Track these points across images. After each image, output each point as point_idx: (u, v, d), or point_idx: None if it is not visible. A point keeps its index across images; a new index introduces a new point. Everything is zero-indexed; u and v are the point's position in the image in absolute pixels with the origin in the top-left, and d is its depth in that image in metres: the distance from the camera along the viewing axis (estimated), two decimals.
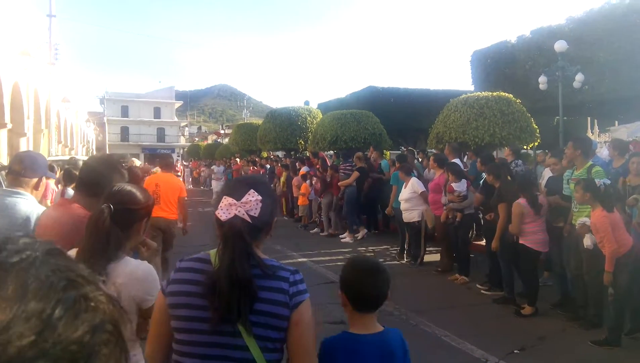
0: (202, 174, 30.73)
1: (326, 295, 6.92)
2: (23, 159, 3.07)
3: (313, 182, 13.08)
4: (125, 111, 59.38)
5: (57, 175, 5.86)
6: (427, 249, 8.99)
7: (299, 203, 13.59)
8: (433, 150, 12.08)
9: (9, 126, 14.71)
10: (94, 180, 2.56)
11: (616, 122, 15.26)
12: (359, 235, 11.33)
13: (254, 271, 1.63)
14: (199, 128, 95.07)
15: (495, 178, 6.83)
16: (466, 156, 11.93)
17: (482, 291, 7.11)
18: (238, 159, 23.78)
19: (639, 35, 12.24)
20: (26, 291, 0.43)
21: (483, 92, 12.18)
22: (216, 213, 1.68)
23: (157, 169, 9.16)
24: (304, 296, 1.68)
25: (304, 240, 11.37)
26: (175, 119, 63.88)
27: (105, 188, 2.37)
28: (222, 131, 65.66)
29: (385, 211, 10.18)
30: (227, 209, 1.67)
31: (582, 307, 5.81)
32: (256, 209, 1.67)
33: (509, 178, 6.87)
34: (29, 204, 2.83)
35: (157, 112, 60.93)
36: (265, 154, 22.74)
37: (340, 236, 11.52)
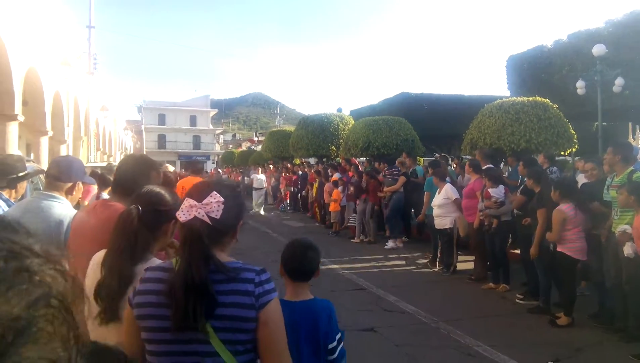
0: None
1: (355, 302, 6.87)
2: (59, 163, 3.13)
3: (346, 188, 13.04)
4: (162, 119, 60.67)
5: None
6: (459, 257, 8.83)
7: (330, 209, 13.56)
8: (467, 156, 11.88)
9: (50, 133, 15.16)
10: (131, 179, 2.57)
11: None
12: (399, 243, 11.15)
13: (215, 276, 1.59)
14: (234, 136, 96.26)
15: (536, 183, 6.65)
16: (502, 163, 11.70)
17: (517, 300, 6.92)
18: (272, 166, 23.95)
19: None
20: None
21: (519, 98, 11.93)
22: (176, 214, 1.65)
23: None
24: (271, 296, 1.63)
25: (335, 246, 11.32)
26: (211, 126, 64.87)
27: (142, 186, 2.38)
28: (255, 138, 66.28)
29: (417, 219, 10.00)
30: (187, 210, 1.63)
31: (622, 319, 5.58)
32: (217, 211, 1.63)
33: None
34: (63, 208, 2.88)
35: (193, 120, 62.03)
36: (297, 161, 22.83)
37: (387, 244, 11.19)
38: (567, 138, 10.91)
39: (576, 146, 11.27)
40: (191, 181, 7.25)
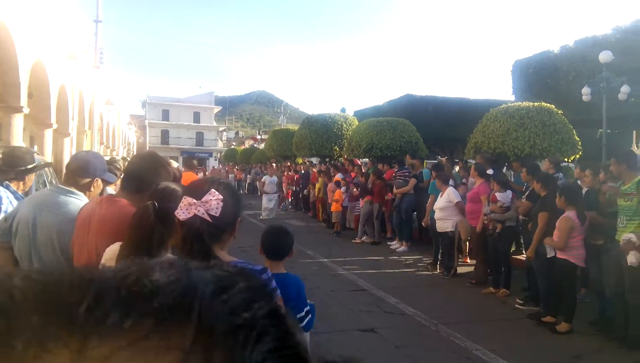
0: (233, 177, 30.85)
1: (357, 302, 6.88)
2: (79, 159, 3.12)
3: (350, 188, 13.06)
4: (166, 115, 60.73)
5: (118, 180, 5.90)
6: (459, 260, 8.84)
7: (332, 209, 13.57)
8: (471, 160, 11.88)
9: (54, 126, 15.18)
10: (140, 175, 2.58)
11: None
12: (406, 246, 11.12)
13: None
14: (237, 133, 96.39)
15: (543, 187, 6.63)
16: (505, 168, 11.69)
17: (517, 305, 6.92)
18: (274, 164, 23.97)
19: None
20: None
21: (524, 103, 11.93)
22: (175, 213, 1.66)
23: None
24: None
25: (336, 247, 11.34)
26: (214, 123, 64.93)
27: (151, 184, 2.40)
28: (258, 137, 66.34)
29: (422, 222, 9.93)
30: (186, 209, 1.64)
31: (622, 327, 5.59)
32: (217, 208, 1.64)
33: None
34: (80, 204, 2.83)
35: (196, 117, 62.10)
36: (300, 160, 22.84)
37: (394, 246, 11.18)
38: (571, 145, 10.90)
39: (580, 153, 11.27)
40: (189, 177, 7.28)
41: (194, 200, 1.64)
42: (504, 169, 12.09)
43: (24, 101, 11.78)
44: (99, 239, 2.39)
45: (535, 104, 11.44)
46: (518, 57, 18.75)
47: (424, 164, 13.90)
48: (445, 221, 8.67)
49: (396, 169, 11.64)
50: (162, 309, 0.35)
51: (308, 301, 2.81)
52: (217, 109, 66.91)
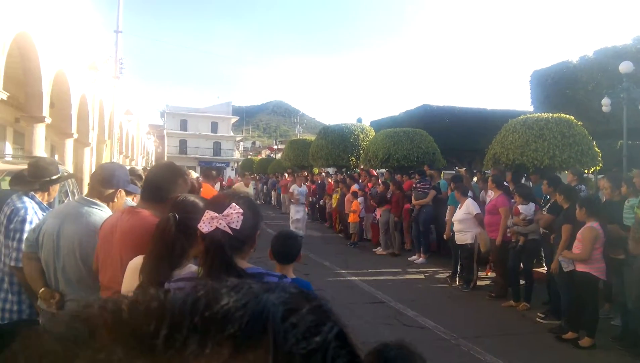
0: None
1: (374, 315, 6.83)
2: (103, 170, 3.19)
3: (367, 198, 13.04)
4: (184, 125, 61.31)
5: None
6: (479, 273, 8.74)
7: (349, 220, 13.53)
8: (489, 171, 11.79)
9: (75, 136, 15.39)
10: (159, 185, 2.63)
11: None
12: (424, 258, 10.99)
13: None
14: (253, 143, 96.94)
15: (567, 199, 6.55)
16: (524, 179, 11.57)
17: (538, 319, 6.82)
18: (286, 175, 23.95)
19: None
20: None
21: (543, 114, 11.82)
22: (198, 226, 1.72)
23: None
24: None
25: (353, 258, 11.29)
26: (231, 133, 65.37)
27: (170, 193, 2.42)
28: (275, 146, 66.61)
29: (444, 235, 9.80)
30: (209, 222, 1.70)
31: None
32: (237, 221, 1.70)
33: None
34: (103, 215, 2.89)
35: (214, 127, 62.58)
36: (316, 171, 22.86)
37: (414, 258, 11.07)
38: (591, 156, 10.77)
39: (600, 165, 11.12)
40: (207, 188, 7.32)
41: (216, 214, 1.70)
42: (522, 181, 11.98)
43: (46, 111, 11.97)
44: (122, 251, 2.42)
45: (555, 115, 11.33)
46: (536, 68, 18.54)
47: (442, 175, 13.83)
48: (464, 233, 8.60)
49: (416, 180, 11.55)
50: (237, 334, 0.35)
51: None
52: (234, 119, 67.41)
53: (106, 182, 3.02)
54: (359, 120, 26.05)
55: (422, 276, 9.66)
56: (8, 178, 3.79)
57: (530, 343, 6.02)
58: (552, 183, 7.47)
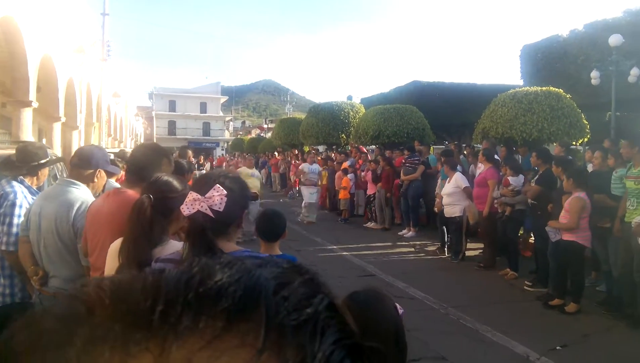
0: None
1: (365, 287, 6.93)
2: (81, 151, 3.24)
3: (358, 175, 13.10)
4: (172, 106, 60.81)
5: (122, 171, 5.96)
6: (468, 244, 8.88)
7: (340, 197, 13.61)
8: (479, 145, 11.87)
9: (63, 119, 15.28)
10: (142, 165, 2.69)
11: None
12: (414, 232, 11.14)
13: None
14: (243, 123, 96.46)
15: (564, 170, 6.61)
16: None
17: (526, 287, 6.98)
18: (277, 153, 23.89)
19: None
20: None
21: (532, 87, 11.87)
22: (180, 208, 1.70)
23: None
24: None
25: (344, 234, 11.40)
26: (221, 113, 64.97)
27: (153, 173, 2.47)
28: (265, 126, 66.41)
29: (435, 207, 9.92)
30: (191, 204, 1.67)
31: (630, 306, 5.63)
32: (220, 204, 1.66)
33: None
34: (78, 193, 2.97)
35: (203, 107, 62.14)
36: (307, 149, 22.87)
37: (404, 233, 11.19)
38: (579, 128, 10.86)
39: (588, 136, 11.23)
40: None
41: (198, 196, 1.67)
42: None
43: (32, 95, 11.86)
44: (110, 231, 2.48)
45: (544, 88, 11.37)
46: (527, 42, 18.56)
47: (431, 150, 13.91)
48: (453, 206, 8.71)
49: (406, 156, 11.63)
50: (230, 309, 0.37)
51: None
52: (223, 99, 66.93)
53: (84, 163, 3.07)
54: (349, 97, 26.06)
55: (412, 249, 9.80)
56: None
57: (518, 311, 6.17)
58: (540, 155, 7.56)
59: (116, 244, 2.18)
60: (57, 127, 15.11)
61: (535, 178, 7.40)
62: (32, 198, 3.38)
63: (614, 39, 12.91)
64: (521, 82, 18.05)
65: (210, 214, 1.65)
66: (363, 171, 13.16)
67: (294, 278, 0.41)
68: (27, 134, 11.80)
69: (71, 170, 3.15)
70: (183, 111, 60.41)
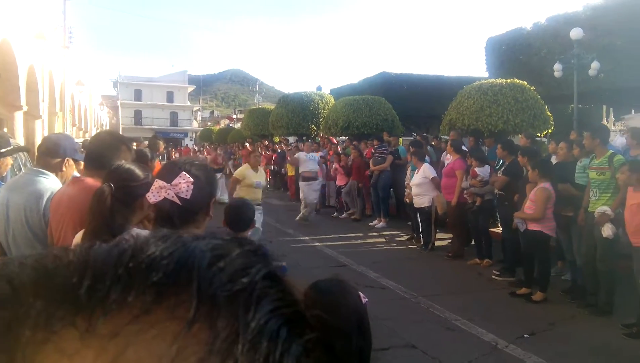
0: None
1: None
2: (48, 140, 3.17)
3: (329, 166, 13.13)
4: (138, 95, 59.64)
5: None
6: (437, 234, 9.03)
7: None
8: (446, 136, 12.06)
9: (25, 108, 14.81)
10: (100, 152, 2.65)
11: (632, 110, 15.08)
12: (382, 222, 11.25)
13: None
14: (212, 113, 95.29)
15: (530, 161, 6.71)
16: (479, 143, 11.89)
17: (494, 276, 7.15)
18: (247, 144, 23.72)
19: None
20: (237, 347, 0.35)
21: (497, 79, 12.10)
22: (146, 196, 1.68)
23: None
24: None
25: (316, 224, 11.43)
26: (188, 103, 64.06)
27: (112, 160, 2.43)
28: (234, 116, 65.77)
29: (405, 199, 10.03)
30: (157, 192, 1.65)
31: (593, 294, 5.83)
32: (187, 191, 1.64)
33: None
34: (47, 183, 2.90)
35: (170, 96, 61.13)
36: (277, 139, 22.80)
37: (374, 223, 11.24)
38: (543, 120, 11.14)
39: (552, 128, 11.52)
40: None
41: (165, 183, 1.65)
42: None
43: None
44: (70, 222, 2.45)
45: (508, 80, 11.61)
46: (492, 34, 18.87)
47: (400, 141, 14.04)
48: (422, 196, 8.83)
49: (375, 147, 11.73)
50: (161, 282, 0.36)
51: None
52: (190, 88, 65.99)
53: (52, 152, 3.01)
54: (319, 88, 26.01)
55: (383, 240, 9.90)
56: None
57: (486, 299, 6.32)
58: (506, 146, 7.74)
59: (80, 236, 2.15)
60: (18, 116, 14.63)
61: (502, 168, 7.58)
62: None
63: (575, 33, 13.23)
64: (486, 74, 18.35)
65: (178, 201, 1.63)
66: (333, 162, 13.20)
67: (233, 249, 0.40)
68: None
69: (38, 159, 3.08)
70: (149, 100, 59.31)
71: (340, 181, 12.39)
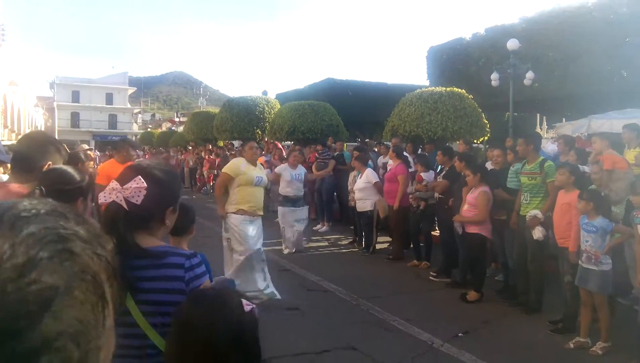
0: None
1: (280, 282, 6.99)
2: None
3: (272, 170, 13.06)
4: (76, 96, 57.48)
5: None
6: (378, 238, 9.19)
7: None
8: (389, 142, 12.31)
9: None
10: (27, 154, 2.53)
11: (564, 119, 15.88)
12: (325, 226, 11.35)
13: (138, 262, 1.58)
14: (153, 115, 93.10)
15: (467, 166, 6.83)
16: (420, 150, 12.21)
17: (431, 278, 7.35)
18: (190, 148, 23.33)
19: (586, 37, 12.77)
20: (16, 239, 0.48)
21: (437, 88, 12.48)
22: (99, 195, 1.64)
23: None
24: (201, 280, 1.65)
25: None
26: (128, 105, 62.32)
27: (39, 162, 2.35)
28: (176, 119, 64.58)
29: (350, 202, 10.14)
30: (108, 193, 1.62)
31: (523, 294, 6.11)
32: (138, 196, 1.60)
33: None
34: None
35: (109, 98, 59.26)
36: (221, 143, 22.54)
37: (318, 227, 11.34)
38: (480, 127, 11.58)
39: (488, 135, 11.99)
40: (112, 165, 6.41)
41: (118, 185, 1.62)
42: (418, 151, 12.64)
43: None
44: None
45: (448, 89, 12.01)
46: (433, 44, 19.39)
47: (345, 147, 14.20)
48: (364, 201, 8.96)
49: (319, 152, 11.83)
50: None
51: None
52: (131, 90, 64.22)
53: None
54: (265, 93, 25.92)
55: (326, 244, 9.99)
56: None
57: (423, 300, 6.50)
58: (446, 153, 8.01)
59: None
60: None
61: (442, 173, 7.83)
62: None
63: (511, 44, 13.80)
64: (427, 83, 18.83)
65: (124, 205, 1.59)
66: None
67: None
68: None
69: None
70: (87, 102, 57.26)
71: None
